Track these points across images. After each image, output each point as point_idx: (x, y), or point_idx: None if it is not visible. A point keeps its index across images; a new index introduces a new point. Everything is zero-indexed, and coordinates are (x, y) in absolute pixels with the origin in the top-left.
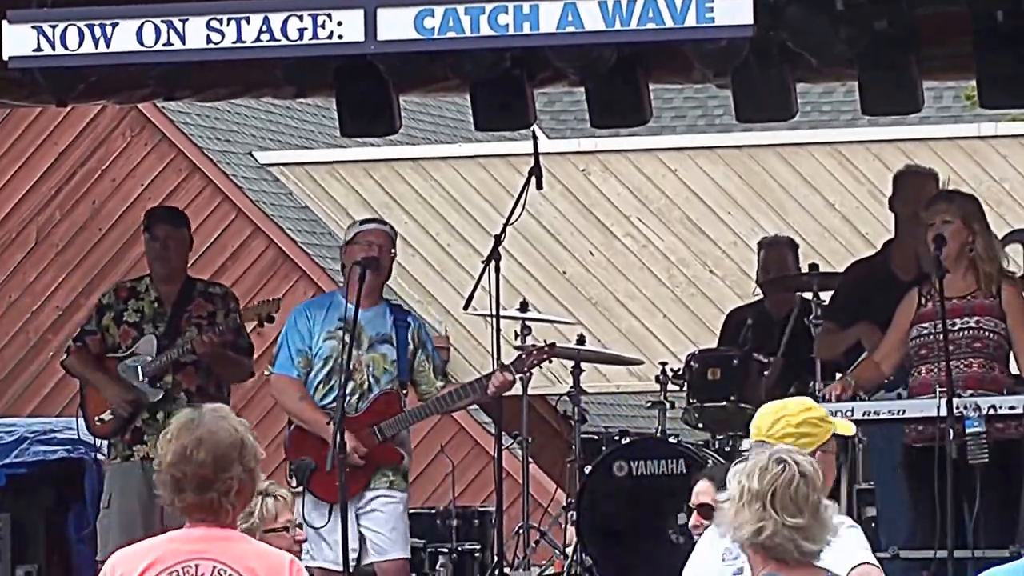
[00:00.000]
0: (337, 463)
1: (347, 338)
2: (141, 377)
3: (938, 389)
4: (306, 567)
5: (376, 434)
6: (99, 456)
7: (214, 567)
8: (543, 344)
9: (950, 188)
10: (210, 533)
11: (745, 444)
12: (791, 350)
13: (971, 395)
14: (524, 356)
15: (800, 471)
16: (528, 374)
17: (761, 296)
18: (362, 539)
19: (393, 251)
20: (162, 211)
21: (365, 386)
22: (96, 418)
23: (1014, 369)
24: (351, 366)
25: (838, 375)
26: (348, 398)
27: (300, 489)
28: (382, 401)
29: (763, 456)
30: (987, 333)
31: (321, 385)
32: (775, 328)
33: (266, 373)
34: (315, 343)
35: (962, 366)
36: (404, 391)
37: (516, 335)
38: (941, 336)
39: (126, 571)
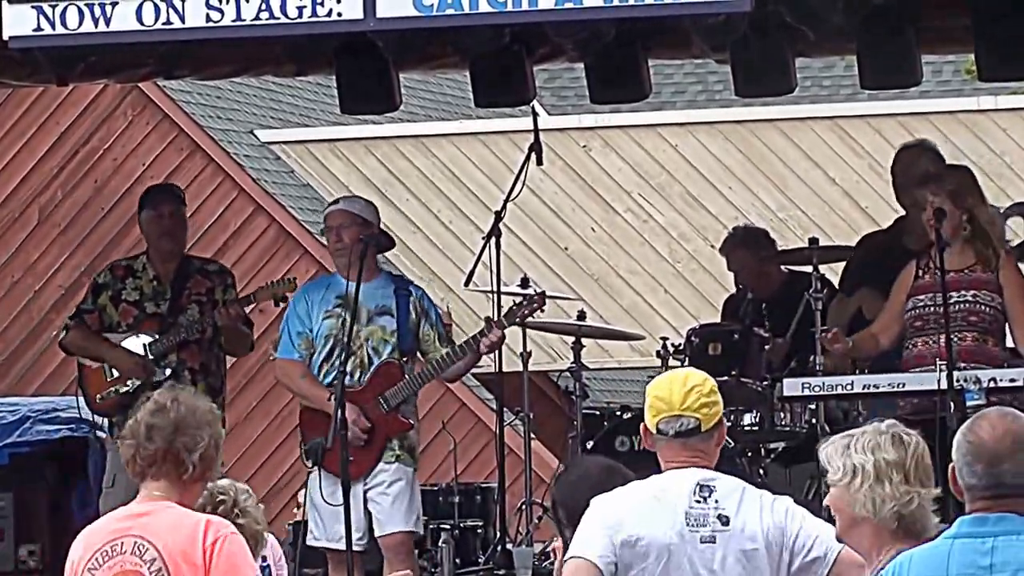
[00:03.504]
0: (339, 439)
1: (347, 315)
2: (148, 356)
3: (938, 362)
4: (315, 545)
5: (381, 404)
6: (99, 434)
7: (135, 542)
8: (533, 293)
9: (943, 164)
10: (143, 507)
11: (654, 421)
12: (796, 326)
13: (965, 368)
14: (515, 308)
15: (923, 443)
16: (521, 324)
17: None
18: (369, 515)
19: (359, 224)
20: (167, 188)
21: (365, 359)
22: (97, 396)
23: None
24: (350, 342)
25: None
26: (349, 374)
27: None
28: (384, 371)
29: (877, 431)
30: (983, 307)
31: (324, 364)
32: (772, 304)
33: (270, 358)
34: (314, 323)
35: (956, 339)
36: (406, 360)
37: None
38: (938, 309)
39: (71, 556)
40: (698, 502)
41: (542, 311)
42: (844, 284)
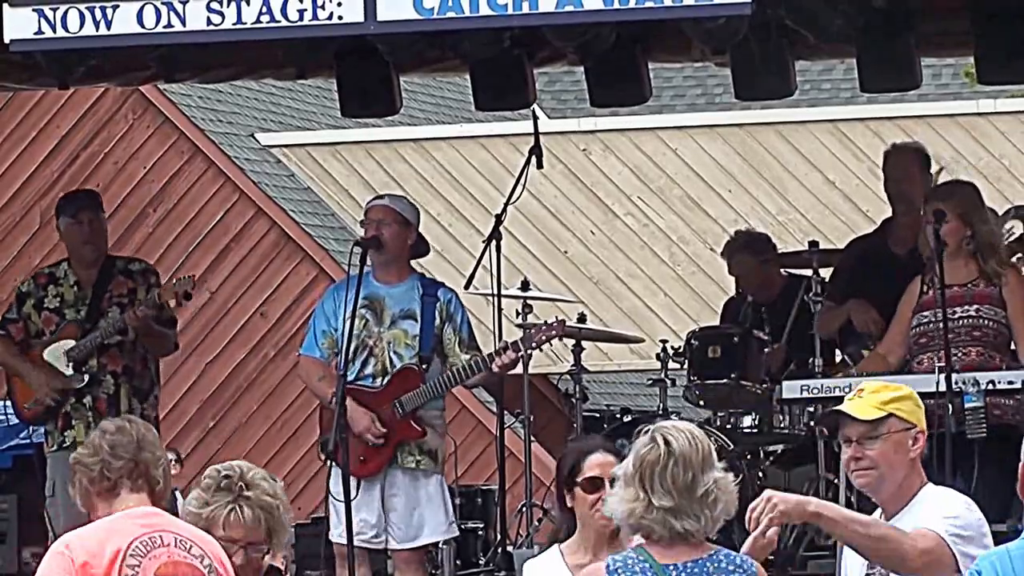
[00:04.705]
0: (339, 442)
1: (369, 315)
2: (67, 363)
3: (937, 366)
4: (334, 540)
5: (397, 408)
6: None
7: (175, 538)
8: (553, 320)
9: (946, 181)
10: (151, 510)
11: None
12: (794, 328)
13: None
14: (533, 332)
15: (669, 450)
16: (538, 349)
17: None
18: (386, 519)
19: (399, 223)
20: (86, 195)
21: (386, 362)
22: (24, 405)
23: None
24: (372, 343)
25: (837, 352)
26: (370, 377)
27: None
28: (402, 375)
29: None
30: (987, 322)
31: (348, 364)
32: (774, 308)
33: (298, 355)
34: (340, 323)
35: (960, 354)
36: (426, 365)
37: (517, 314)
38: (941, 324)
39: (91, 550)
40: None
41: (560, 339)
42: (833, 291)
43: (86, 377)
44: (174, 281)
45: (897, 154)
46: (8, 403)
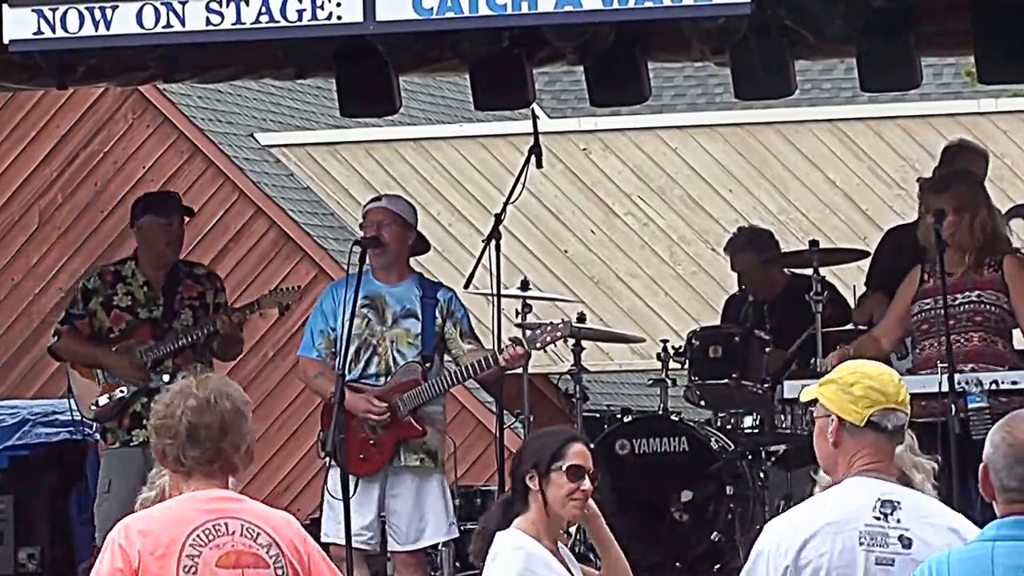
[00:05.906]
0: (336, 443)
1: (371, 314)
2: (146, 366)
3: (939, 365)
4: (326, 542)
5: (399, 406)
6: (91, 438)
7: (242, 525)
8: (559, 321)
9: (943, 173)
10: (222, 494)
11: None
12: (798, 329)
13: (972, 369)
14: (539, 332)
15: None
16: (542, 350)
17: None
18: (385, 520)
19: (400, 224)
20: (173, 196)
21: (390, 361)
22: (91, 403)
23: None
24: (376, 342)
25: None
26: (374, 376)
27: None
28: (404, 373)
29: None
30: (988, 307)
31: (352, 364)
32: (775, 307)
33: (296, 356)
34: (339, 322)
35: (962, 340)
36: (429, 364)
37: (517, 314)
38: (942, 311)
39: (152, 538)
40: (877, 519)
41: (565, 341)
42: (869, 281)
43: (166, 376)
44: (276, 291)
45: (965, 153)
46: (10, 403)
